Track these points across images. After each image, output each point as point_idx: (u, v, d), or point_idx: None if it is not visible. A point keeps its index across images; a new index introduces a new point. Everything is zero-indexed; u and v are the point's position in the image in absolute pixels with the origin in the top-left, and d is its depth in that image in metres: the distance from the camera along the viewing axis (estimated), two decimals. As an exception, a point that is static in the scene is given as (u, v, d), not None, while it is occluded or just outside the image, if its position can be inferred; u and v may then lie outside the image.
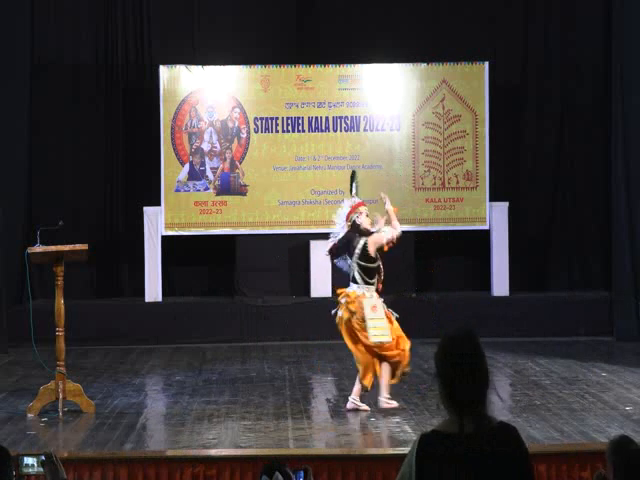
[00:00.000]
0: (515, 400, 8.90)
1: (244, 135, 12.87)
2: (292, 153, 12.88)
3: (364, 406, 8.51)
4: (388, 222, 8.69)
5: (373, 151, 12.90)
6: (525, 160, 13.43)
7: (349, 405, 8.53)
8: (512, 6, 13.34)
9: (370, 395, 8.57)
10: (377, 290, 8.61)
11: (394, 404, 8.49)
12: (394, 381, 8.56)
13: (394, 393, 8.88)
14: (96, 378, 10.16)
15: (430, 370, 10.24)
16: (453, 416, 2.98)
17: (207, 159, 12.83)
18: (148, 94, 12.86)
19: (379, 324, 8.41)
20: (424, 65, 12.93)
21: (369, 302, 8.44)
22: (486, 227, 12.94)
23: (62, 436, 7.89)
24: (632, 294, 12.36)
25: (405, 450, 7.11)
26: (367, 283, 8.52)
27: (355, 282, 8.55)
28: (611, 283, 12.64)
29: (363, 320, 8.39)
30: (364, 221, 8.60)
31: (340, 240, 8.66)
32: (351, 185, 8.88)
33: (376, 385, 8.51)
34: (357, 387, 8.53)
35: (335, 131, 12.90)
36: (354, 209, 8.65)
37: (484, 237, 12.96)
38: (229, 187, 12.85)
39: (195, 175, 12.81)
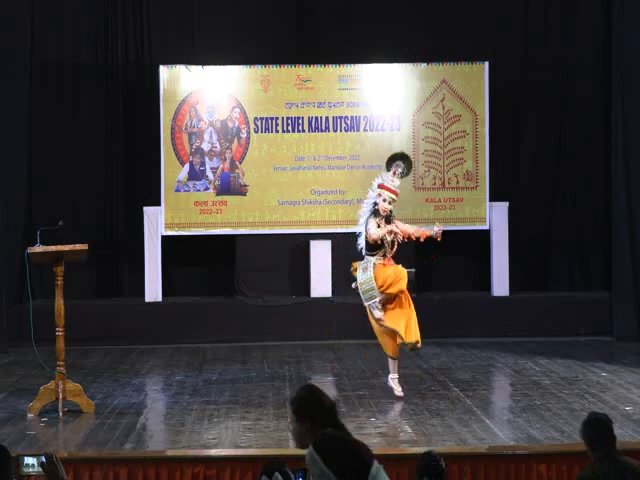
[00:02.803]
0: (515, 400, 8.90)
1: (244, 135, 12.86)
2: (292, 153, 12.88)
3: (398, 390, 8.83)
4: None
5: (373, 151, 12.88)
6: (525, 160, 13.43)
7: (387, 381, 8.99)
8: (512, 6, 13.34)
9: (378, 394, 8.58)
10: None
11: (397, 390, 8.80)
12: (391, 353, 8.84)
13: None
14: (96, 378, 10.15)
15: (429, 370, 10.26)
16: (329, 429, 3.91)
17: (207, 159, 12.83)
18: (148, 94, 12.86)
19: (367, 286, 8.75)
20: (424, 65, 12.93)
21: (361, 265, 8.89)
22: (486, 227, 12.94)
23: (62, 436, 7.89)
24: (632, 294, 12.36)
25: (405, 450, 7.12)
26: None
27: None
28: (611, 283, 12.64)
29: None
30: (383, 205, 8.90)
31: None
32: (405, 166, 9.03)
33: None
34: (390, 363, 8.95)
35: (335, 131, 12.89)
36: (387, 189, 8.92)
37: (484, 237, 12.96)
38: (229, 187, 12.84)
39: (195, 175, 12.80)
